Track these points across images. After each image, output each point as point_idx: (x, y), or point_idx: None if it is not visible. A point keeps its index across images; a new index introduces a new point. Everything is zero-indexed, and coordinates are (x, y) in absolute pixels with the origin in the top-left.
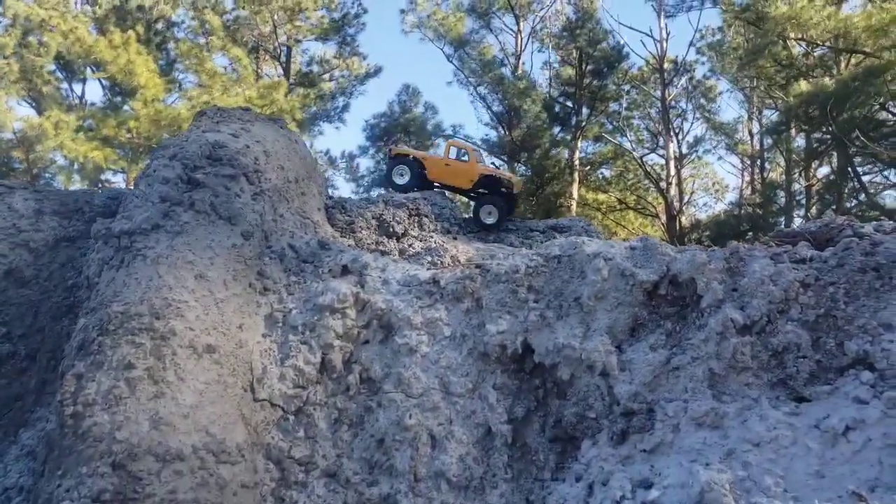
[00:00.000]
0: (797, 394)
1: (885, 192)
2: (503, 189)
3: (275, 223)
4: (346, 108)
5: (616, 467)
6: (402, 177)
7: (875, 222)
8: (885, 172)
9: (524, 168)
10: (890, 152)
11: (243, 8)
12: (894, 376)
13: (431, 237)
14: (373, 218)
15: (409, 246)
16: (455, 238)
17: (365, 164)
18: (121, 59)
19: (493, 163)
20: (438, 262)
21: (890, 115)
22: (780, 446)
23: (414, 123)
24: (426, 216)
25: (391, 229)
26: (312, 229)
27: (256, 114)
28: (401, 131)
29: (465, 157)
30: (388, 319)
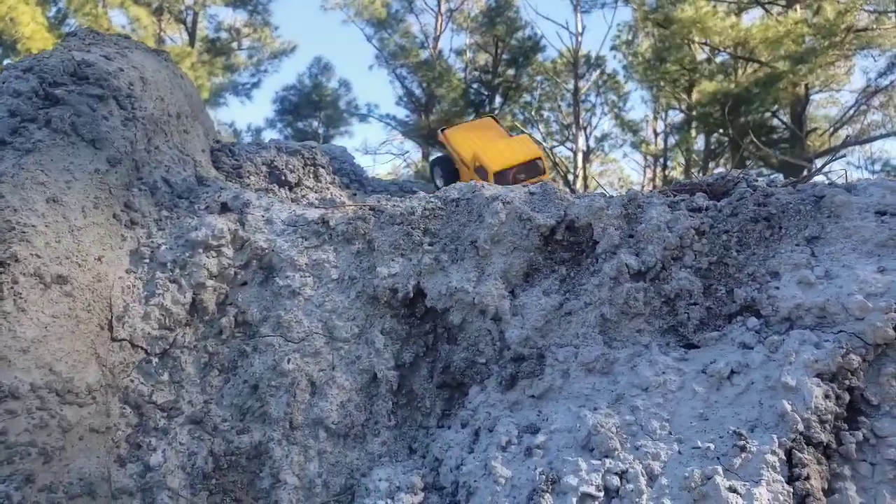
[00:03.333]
0: (687, 340)
1: None
2: None
3: (148, 154)
4: (256, 84)
5: (503, 413)
6: (441, 179)
7: (768, 178)
8: (773, 176)
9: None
10: (778, 157)
11: None
12: (778, 322)
13: (328, 189)
14: (263, 164)
15: (303, 196)
16: (355, 194)
17: (273, 138)
18: (2, 7)
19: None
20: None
21: (780, 122)
22: (667, 391)
23: (326, 99)
24: (323, 167)
25: (283, 177)
26: (192, 167)
27: (138, 42)
28: (312, 106)
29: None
30: (269, 260)
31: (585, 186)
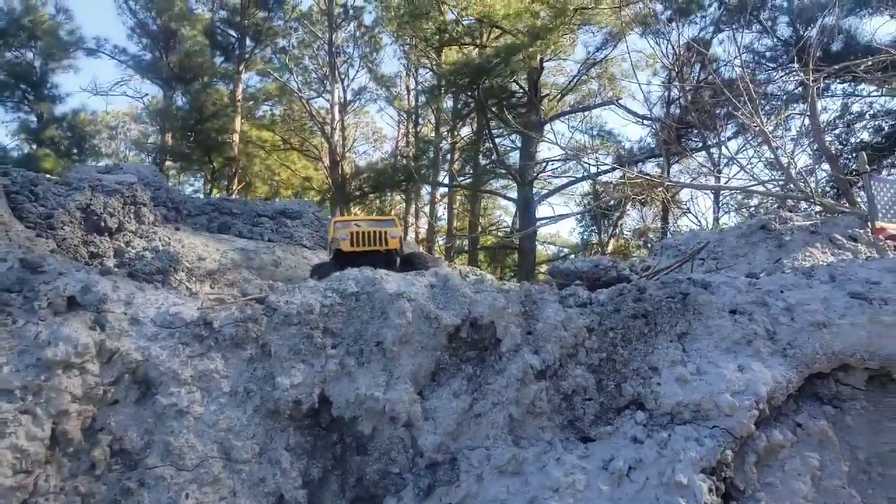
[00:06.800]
0: (584, 434)
1: (512, 154)
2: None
3: None
4: None
5: None
6: None
7: (630, 261)
8: (512, 137)
9: (182, 99)
10: (515, 121)
11: None
12: (661, 415)
13: (154, 232)
14: (77, 209)
15: (127, 244)
16: (177, 229)
17: None
18: None
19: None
20: (171, 269)
21: (519, 88)
22: (576, 490)
23: (41, 28)
24: (144, 205)
25: (103, 223)
26: (4, 234)
27: None
28: (26, 34)
29: None
30: (145, 373)
31: (343, 139)
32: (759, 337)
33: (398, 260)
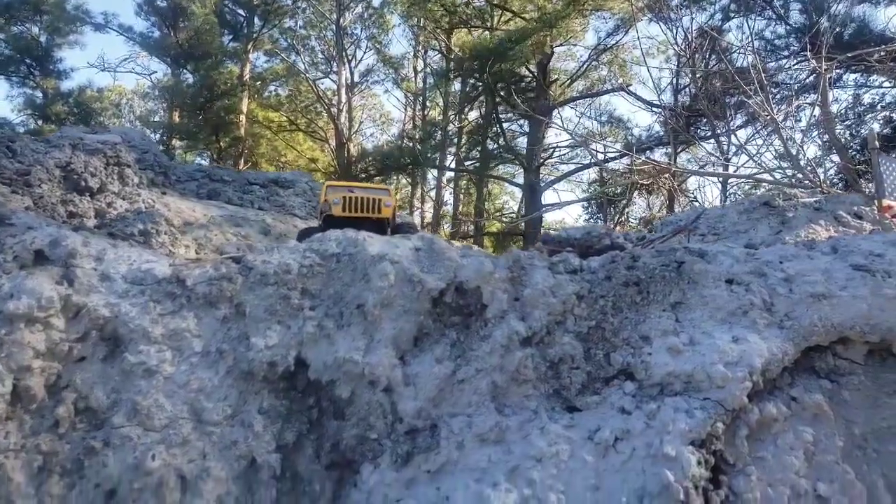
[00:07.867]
0: (569, 403)
1: (519, 139)
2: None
3: None
4: None
5: (401, 492)
6: None
7: (624, 232)
8: (520, 122)
9: (192, 77)
10: (524, 105)
11: None
12: (651, 386)
13: (138, 194)
14: (56, 167)
15: (109, 205)
16: (164, 193)
17: None
18: None
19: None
20: (154, 231)
21: (529, 73)
22: (560, 461)
23: (47, 1)
24: (128, 166)
25: (83, 183)
26: None
27: None
28: (31, 8)
29: None
30: (113, 329)
31: (350, 120)
32: (755, 308)
33: (389, 230)
